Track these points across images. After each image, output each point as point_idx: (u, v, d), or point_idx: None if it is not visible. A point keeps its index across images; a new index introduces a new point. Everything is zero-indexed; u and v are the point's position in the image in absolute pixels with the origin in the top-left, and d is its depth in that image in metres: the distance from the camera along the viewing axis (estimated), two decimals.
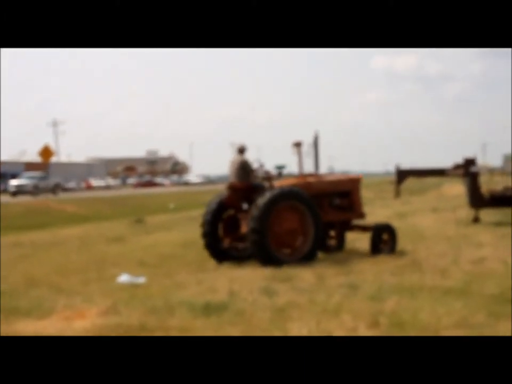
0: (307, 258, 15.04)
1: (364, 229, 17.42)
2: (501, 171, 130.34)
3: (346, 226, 17.50)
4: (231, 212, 16.29)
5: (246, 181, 16.06)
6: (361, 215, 17.48)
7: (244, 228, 15.56)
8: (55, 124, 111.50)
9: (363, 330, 8.53)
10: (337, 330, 8.59)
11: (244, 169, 16.13)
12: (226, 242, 16.04)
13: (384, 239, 16.64)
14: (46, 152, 52.58)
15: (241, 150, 16.39)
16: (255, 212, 14.76)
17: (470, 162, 24.33)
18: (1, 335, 8.81)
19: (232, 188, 16.07)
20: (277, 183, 16.27)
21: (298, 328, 8.68)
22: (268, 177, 16.74)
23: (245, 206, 15.81)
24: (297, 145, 16.65)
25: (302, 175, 16.89)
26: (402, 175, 24.91)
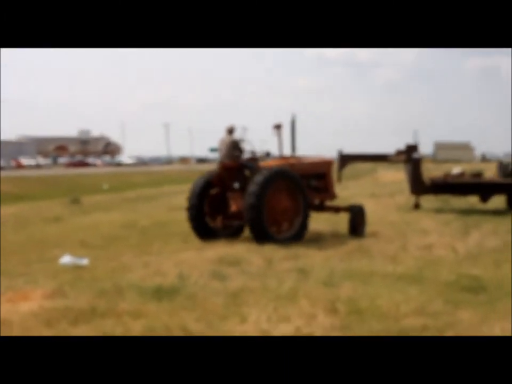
0: (296, 237, 15.48)
1: (337, 210, 17.87)
2: (432, 158, 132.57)
3: (321, 207, 17.80)
4: (214, 191, 16.60)
5: (237, 160, 16.44)
6: (334, 196, 17.93)
7: (234, 207, 16.24)
8: None
9: (322, 317, 8.35)
10: (295, 316, 8.41)
11: (234, 148, 16.54)
12: (218, 221, 16.41)
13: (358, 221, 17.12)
14: None
15: (230, 131, 16.74)
16: (253, 188, 15.07)
17: (412, 149, 24.37)
18: None
19: (224, 167, 16.38)
20: (262, 164, 16.49)
21: (256, 313, 8.47)
22: (254, 158, 16.75)
23: (236, 185, 16.18)
24: (278, 127, 16.91)
25: (283, 157, 17.29)
26: (344, 159, 24.80)
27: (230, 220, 16.46)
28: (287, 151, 17.91)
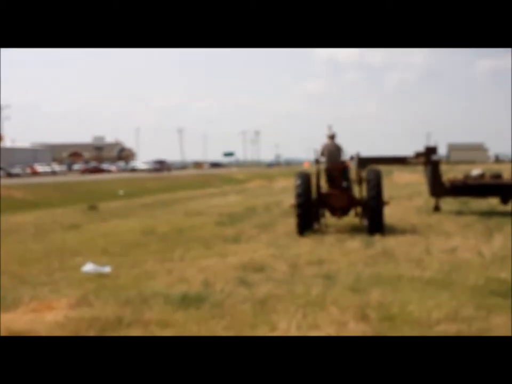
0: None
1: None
2: (446, 160, 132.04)
3: None
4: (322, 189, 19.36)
5: (343, 163, 19.44)
6: None
7: (343, 202, 19.12)
8: None
9: (353, 325, 8.20)
10: (326, 323, 8.26)
11: (339, 151, 19.44)
12: (338, 213, 19.35)
13: None
14: None
15: (332, 137, 19.59)
16: (372, 182, 18.06)
17: (431, 151, 24.17)
18: None
19: (335, 168, 19.20)
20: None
21: (285, 321, 8.32)
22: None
23: (344, 183, 19.21)
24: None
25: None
26: (363, 162, 24.58)
27: (336, 214, 19.37)
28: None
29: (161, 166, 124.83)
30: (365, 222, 18.75)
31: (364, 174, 19.17)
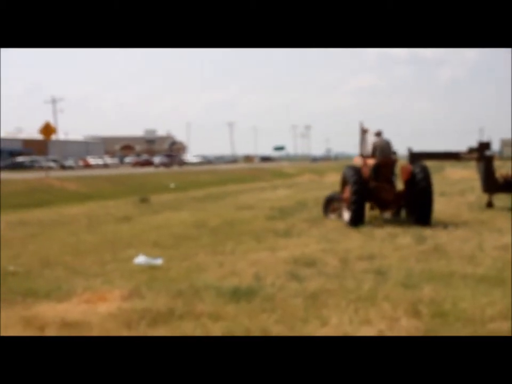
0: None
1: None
2: (499, 156, 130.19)
3: None
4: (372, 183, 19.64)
5: (393, 157, 20.16)
6: None
7: (390, 195, 19.69)
8: (54, 101, 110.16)
9: (405, 320, 8.15)
10: (377, 319, 8.23)
11: (389, 147, 20.09)
12: (393, 206, 20.20)
13: None
14: (47, 129, 51.83)
15: (379, 134, 20.30)
16: (420, 175, 19.03)
17: (484, 146, 23.91)
18: (20, 318, 8.50)
19: (386, 163, 19.76)
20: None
21: (337, 316, 8.31)
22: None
23: (393, 177, 19.98)
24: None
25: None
26: (415, 157, 24.37)
27: (386, 208, 20.24)
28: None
29: (170, 160, 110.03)
30: (412, 216, 19.37)
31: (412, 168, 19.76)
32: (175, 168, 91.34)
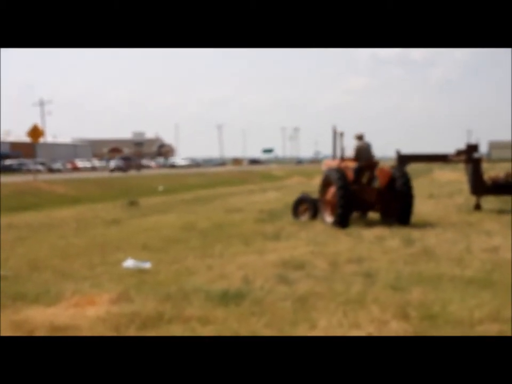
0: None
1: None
2: (487, 158, 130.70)
3: None
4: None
5: (375, 160, 20.60)
6: None
7: (373, 197, 19.98)
8: (42, 104, 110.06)
9: (394, 323, 8.17)
10: (366, 322, 8.25)
11: (370, 150, 20.61)
12: (375, 208, 20.47)
13: None
14: (35, 132, 51.63)
15: (360, 137, 20.57)
16: (403, 179, 19.63)
17: (472, 148, 23.98)
18: (10, 322, 8.48)
19: (369, 166, 20.12)
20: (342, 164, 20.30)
21: (326, 319, 8.32)
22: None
23: (374, 181, 20.21)
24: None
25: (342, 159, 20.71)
26: (403, 159, 24.45)
27: (366, 209, 20.83)
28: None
29: (126, 163, 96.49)
30: (389, 218, 19.75)
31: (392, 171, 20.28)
32: (132, 173, 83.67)
